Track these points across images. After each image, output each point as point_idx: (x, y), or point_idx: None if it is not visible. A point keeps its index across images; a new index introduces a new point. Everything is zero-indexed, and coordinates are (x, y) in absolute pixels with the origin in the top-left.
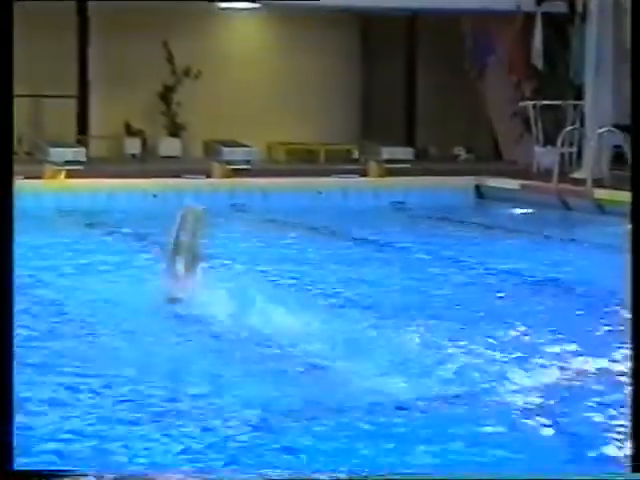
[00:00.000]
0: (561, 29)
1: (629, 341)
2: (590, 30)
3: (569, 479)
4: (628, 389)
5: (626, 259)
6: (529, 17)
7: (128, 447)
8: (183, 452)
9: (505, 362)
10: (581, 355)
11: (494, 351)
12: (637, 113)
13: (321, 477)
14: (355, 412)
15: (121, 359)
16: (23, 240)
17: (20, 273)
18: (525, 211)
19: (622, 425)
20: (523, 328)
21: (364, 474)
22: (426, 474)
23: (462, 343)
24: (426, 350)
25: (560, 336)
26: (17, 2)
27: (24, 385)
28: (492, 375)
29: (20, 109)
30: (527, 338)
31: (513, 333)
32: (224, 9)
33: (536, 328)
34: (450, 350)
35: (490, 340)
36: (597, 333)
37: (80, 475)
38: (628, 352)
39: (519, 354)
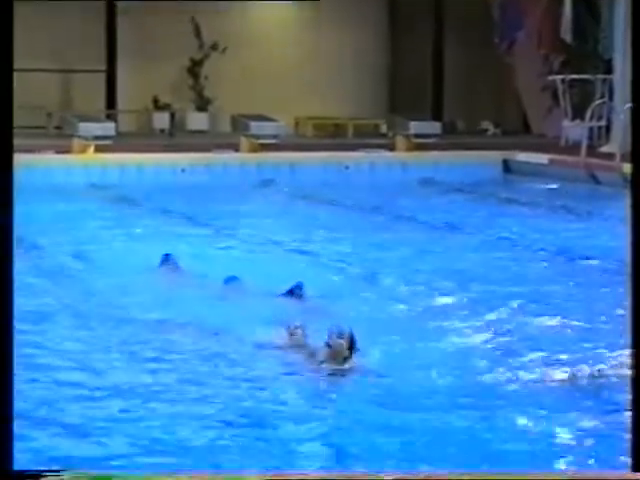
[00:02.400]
0: (591, 3)
1: (630, 342)
2: (620, 4)
3: (570, 479)
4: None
5: None
6: None
7: None
8: None
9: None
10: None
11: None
12: (637, 107)
13: (321, 477)
14: None
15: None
16: (52, 211)
17: (50, 240)
18: (554, 185)
19: None
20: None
21: (364, 474)
22: (426, 474)
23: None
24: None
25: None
26: None
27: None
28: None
29: (50, 84)
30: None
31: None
32: None
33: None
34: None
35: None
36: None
37: (80, 475)
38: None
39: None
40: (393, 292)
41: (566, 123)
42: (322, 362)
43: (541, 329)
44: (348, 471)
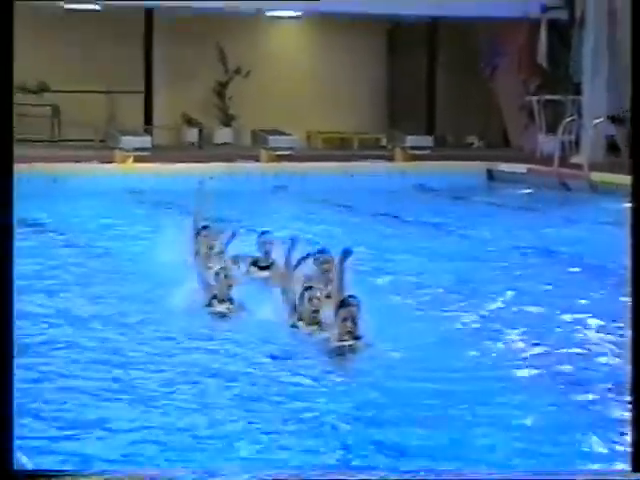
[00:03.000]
0: (563, 33)
1: (630, 343)
2: (587, 35)
3: (569, 479)
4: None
5: (618, 233)
6: (535, 23)
7: None
8: None
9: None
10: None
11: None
12: (637, 110)
13: (321, 477)
14: None
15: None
16: (96, 213)
17: (94, 239)
18: (530, 191)
19: None
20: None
21: (364, 474)
22: (426, 474)
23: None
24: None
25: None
26: (88, 12)
27: None
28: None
29: (95, 103)
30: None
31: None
32: (271, 17)
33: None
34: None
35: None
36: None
37: (80, 475)
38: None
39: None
40: (389, 277)
41: (541, 138)
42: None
43: (518, 312)
44: (348, 471)
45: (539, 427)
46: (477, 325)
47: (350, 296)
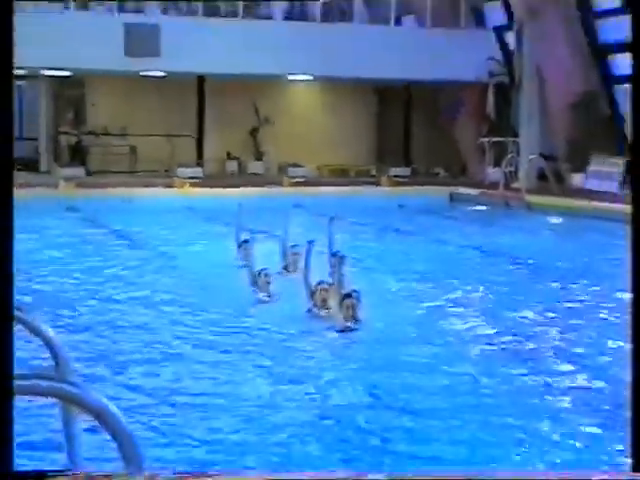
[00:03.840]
0: (505, 93)
1: (630, 344)
2: (523, 94)
3: (569, 479)
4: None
5: (547, 239)
6: (485, 85)
7: None
8: None
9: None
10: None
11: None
12: (637, 117)
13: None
14: None
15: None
16: (161, 226)
17: (161, 246)
18: (482, 208)
19: None
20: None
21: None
22: (426, 474)
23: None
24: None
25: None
26: (157, 78)
27: None
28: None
29: (161, 144)
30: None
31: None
32: (291, 80)
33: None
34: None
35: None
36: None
37: (80, 475)
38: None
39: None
40: (376, 275)
41: (489, 169)
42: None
43: (468, 299)
44: (348, 472)
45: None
46: (442, 306)
47: (354, 290)
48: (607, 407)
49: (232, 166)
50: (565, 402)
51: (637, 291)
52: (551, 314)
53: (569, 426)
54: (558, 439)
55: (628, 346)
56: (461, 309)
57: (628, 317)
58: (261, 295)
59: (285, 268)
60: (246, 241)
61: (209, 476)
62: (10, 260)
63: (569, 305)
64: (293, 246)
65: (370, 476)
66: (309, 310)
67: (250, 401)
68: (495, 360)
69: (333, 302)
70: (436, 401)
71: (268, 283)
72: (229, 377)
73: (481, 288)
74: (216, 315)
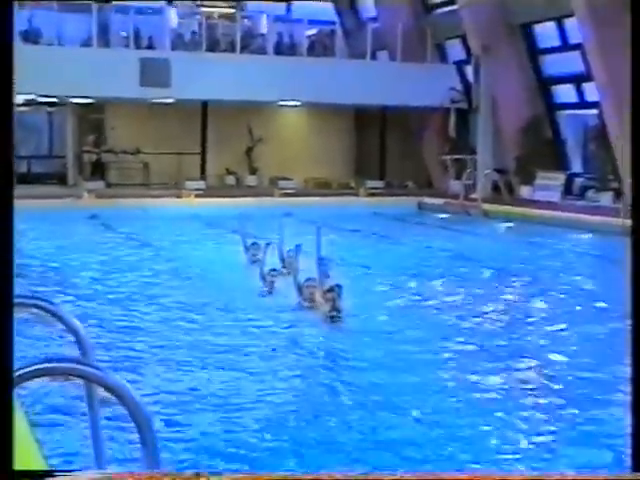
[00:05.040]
0: (465, 116)
1: (630, 345)
2: (479, 117)
3: (569, 479)
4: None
5: (500, 241)
6: (447, 110)
7: None
8: None
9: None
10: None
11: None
12: (636, 117)
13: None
14: None
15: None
16: (169, 232)
17: (169, 252)
18: (445, 216)
19: None
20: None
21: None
22: (426, 474)
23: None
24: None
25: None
26: (166, 104)
27: None
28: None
29: (170, 160)
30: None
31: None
32: (282, 105)
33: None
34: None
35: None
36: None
37: (80, 475)
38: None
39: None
40: (355, 271)
41: (451, 182)
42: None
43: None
44: (348, 472)
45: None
46: (415, 300)
47: (336, 285)
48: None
49: (230, 180)
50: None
51: (637, 292)
52: (500, 306)
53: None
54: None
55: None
56: (428, 302)
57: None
58: (266, 289)
59: (284, 269)
60: (254, 244)
61: (210, 476)
62: (10, 257)
63: (511, 297)
64: (289, 250)
65: (371, 476)
66: (299, 303)
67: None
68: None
69: (319, 296)
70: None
71: (273, 282)
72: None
73: (440, 282)
74: (224, 319)
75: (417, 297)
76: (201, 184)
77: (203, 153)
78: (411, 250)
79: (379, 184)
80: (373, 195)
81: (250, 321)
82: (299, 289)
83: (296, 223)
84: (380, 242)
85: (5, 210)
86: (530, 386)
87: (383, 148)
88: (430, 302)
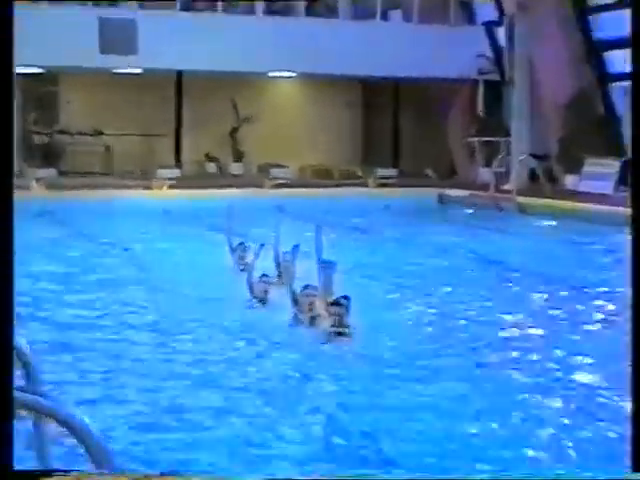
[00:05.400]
0: (496, 89)
1: (629, 344)
2: (514, 91)
3: (569, 479)
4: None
5: (537, 242)
6: (475, 82)
7: None
8: None
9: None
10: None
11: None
12: (637, 119)
13: (323, 478)
14: None
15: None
16: (139, 227)
17: (136, 257)
18: (472, 211)
19: None
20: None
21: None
22: (425, 474)
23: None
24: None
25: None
26: (132, 75)
27: None
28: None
29: (137, 144)
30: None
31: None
32: (273, 77)
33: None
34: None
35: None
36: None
37: (80, 474)
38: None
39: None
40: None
41: (480, 170)
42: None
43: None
44: (347, 473)
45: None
46: (433, 316)
47: (344, 297)
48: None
49: (211, 167)
50: None
51: (637, 291)
52: (531, 320)
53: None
54: None
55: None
56: (454, 322)
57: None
58: (255, 301)
59: (279, 275)
60: (242, 245)
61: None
62: (11, 261)
63: (551, 313)
64: (285, 253)
65: (369, 477)
66: (295, 316)
67: None
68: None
69: (321, 309)
70: None
71: (265, 291)
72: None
73: (464, 294)
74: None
75: (434, 310)
76: (175, 173)
77: (178, 135)
78: (430, 253)
79: (392, 172)
80: (384, 186)
81: (233, 342)
82: (295, 300)
83: (291, 220)
84: (393, 243)
85: (4, 211)
86: None
87: (396, 129)
88: (457, 321)
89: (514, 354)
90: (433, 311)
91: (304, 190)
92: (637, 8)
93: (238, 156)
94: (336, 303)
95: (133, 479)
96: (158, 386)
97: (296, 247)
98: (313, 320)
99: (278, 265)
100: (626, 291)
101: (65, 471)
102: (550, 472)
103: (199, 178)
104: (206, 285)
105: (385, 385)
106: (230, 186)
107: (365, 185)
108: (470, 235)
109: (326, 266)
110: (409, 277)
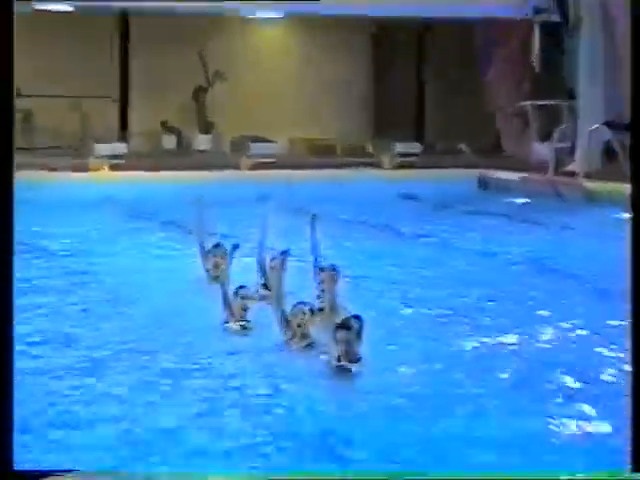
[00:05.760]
0: (557, 35)
1: (629, 344)
2: (583, 39)
3: (569, 479)
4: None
5: (613, 246)
6: (529, 25)
7: None
8: None
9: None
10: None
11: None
12: (637, 114)
13: (324, 477)
14: None
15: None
16: (67, 224)
17: (66, 263)
18: (524, 200)
19: None
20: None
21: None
22: (425, 474)
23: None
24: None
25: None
26: (60, 14)
27: None
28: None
29: (67, 109)
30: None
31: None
32: (252, 19)
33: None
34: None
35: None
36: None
37: (80, 474)
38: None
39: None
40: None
41: (535, 144)
42: None
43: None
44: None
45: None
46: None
47: (354, 317)
48: None
49: (169, 141)
50: None
51: (637, 292)
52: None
53: None
54: None
55: None
56: (488, 340)
57: None
58: (232, 323)
59: (265, 286)
60: (218, 246)
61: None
62: (10, 260)
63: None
64: (273, 257)
65: (370, 476)
66: (286, 343)
67: None
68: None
69: (318, 330)
70: None
71: (245, 309)
72: None
73: (518, 315)
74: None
75: (474, 341)
76: (120, 148)
77: (124, 98)
78: (465, 257)
79: (413, 148)
80: (403, 167)
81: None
82: (285, 320)
83: (279, 213)
84: (415, 246)
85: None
86: None
87: (421, 90)
88: (507, 357)
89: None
90: (474, 344)
91: (296, 172)
92: (637, 8)
93: (206, 126)
94: (343, 326)
95: (133, 479)
96: None
97: (285, 253)
98: (308, 347)
99: (263, 274)
100: None
101: (65, 471)
102: (550, 472)
103: (153, 156)
104: (164, 303)
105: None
106: (196, 167)
107: (378, 165)
108: (521, 234)
109: (327, 273)
110: (437, 291)
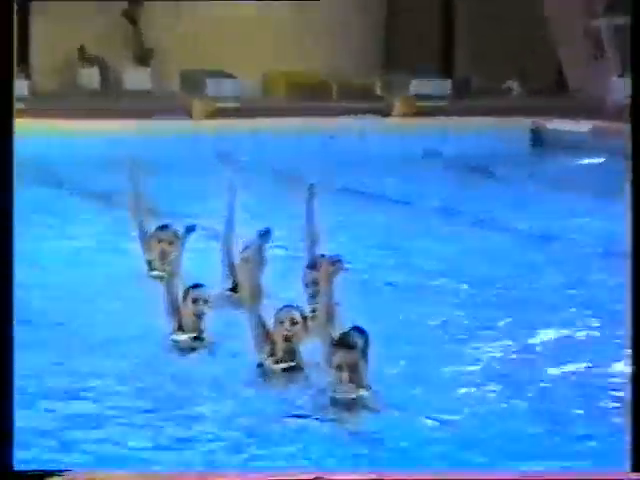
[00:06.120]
0: None
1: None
2: None
3: (569, 479)
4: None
5: None
6: None
7: None
8: None
9: None
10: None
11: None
12: (637, 114)
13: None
14: None
15: None
16: None
17: None
18: (596, 161)
19: None
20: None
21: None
22: (425, 474)
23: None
24: None
25: None
26: None
27: None
28: None
29: None
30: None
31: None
32: None
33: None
34: None
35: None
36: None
37: (80, 474)
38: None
39: None
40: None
41: (613, 79)
42: None
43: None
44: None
45: None
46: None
47: (355, 328)
48: None
49: (90, 77)
50: None
51: (637, 290)
52: None
53: None
54: None
55: None
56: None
57: None
58: (183, 337)
59: (233, 289)
60: (164, 227)
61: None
62: (10, 254)
63: None
64: (246, 245)
65: (370, 476)
66: (260, 365)
67: None
68: None
69: (309, 346)
70: None
71: (199, 317)
72: None
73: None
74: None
75: (518, 349)
76: (20, 88)
77: (24, 19)
78: (517, 244)
79: (440, 87)
80: (422, 114)
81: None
82: (262, 331)
83: (250, 181)
84: (442, 224)
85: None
86: None
87: (449, 7)
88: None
89: None
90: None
91: (272, 122)
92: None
93: (143, 55)
94: (343, 343)
95: (132, 478)
96: None
97: (265, 234)
98: (291, 372)
99: (231, 268)
100: None
101: (65, 471)
102: (550, 471)
103: (65, 97)
104: (93, 309)
105: None
106: (128, 114)
107: (388, 112)
108: (591, 209)
109: (324, 268)
110: (476, 289)
